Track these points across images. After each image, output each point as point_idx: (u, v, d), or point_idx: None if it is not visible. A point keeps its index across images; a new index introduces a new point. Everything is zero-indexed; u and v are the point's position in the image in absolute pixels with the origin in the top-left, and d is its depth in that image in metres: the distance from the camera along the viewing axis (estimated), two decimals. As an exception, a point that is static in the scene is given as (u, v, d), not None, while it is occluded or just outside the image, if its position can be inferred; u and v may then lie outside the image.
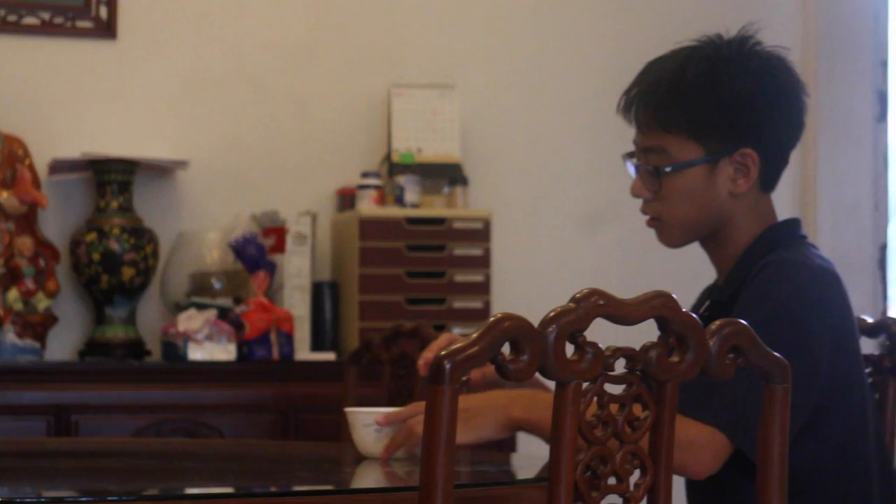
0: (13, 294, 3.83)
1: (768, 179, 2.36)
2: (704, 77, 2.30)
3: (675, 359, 1.69)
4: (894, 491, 2.33)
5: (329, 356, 3.91)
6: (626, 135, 4.36)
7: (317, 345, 3.97)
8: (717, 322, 1.72)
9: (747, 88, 2.30)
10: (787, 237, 2.34)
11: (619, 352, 1.67)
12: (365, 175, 4.04)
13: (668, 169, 2.31)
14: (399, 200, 3.99)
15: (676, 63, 2.32)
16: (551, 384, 1.66)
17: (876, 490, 2.27)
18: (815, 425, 2.19)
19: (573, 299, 1.65)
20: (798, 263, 2.24)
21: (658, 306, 1.68)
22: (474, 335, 1.61)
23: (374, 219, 3.92)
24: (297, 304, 3.93)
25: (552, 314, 1.63)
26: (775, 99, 2.32)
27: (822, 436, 2.21)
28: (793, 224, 2.38)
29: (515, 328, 1.61)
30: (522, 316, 1.62)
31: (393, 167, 4.08)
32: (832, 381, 2.19)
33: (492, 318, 1.62)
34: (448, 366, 1.59)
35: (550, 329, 1.62)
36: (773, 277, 2.19)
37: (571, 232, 4.36)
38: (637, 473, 1.69)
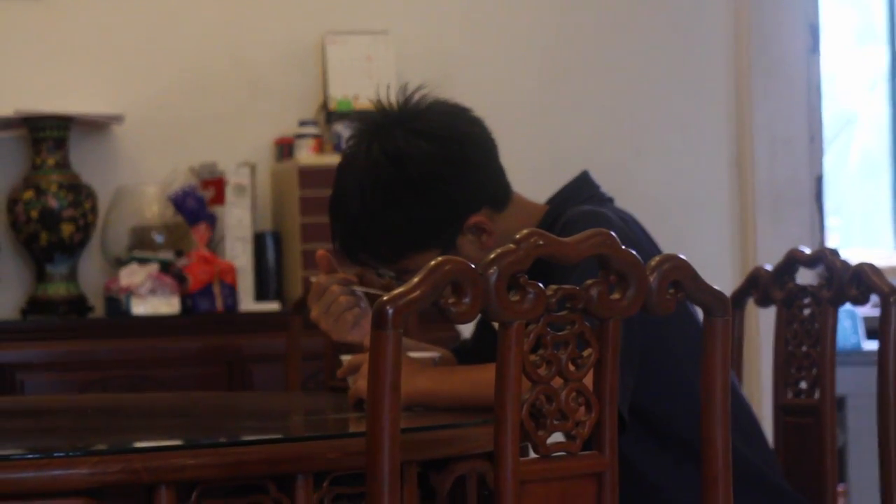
0: (-48, 255, 3.80)
1: (502, 199, 2.35)
2: (388, 205, 2.28)
3: (616, 296, 1.70)
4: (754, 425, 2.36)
5: (273, 306, 3.91)
6: (574, 77, 4.38)
7: (261, 295, 3.97)
8: (657, 258, 1.73)
9: (428, 185, 2.28)
10: (577, 195, 2.35)
11: (560, 291, 1.68)
12: (302, 124, 4.03)
13: None
14: (338, 148, 3.98)
15: (356, 201, 2.30)
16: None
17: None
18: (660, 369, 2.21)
19: (513, 240, 1.66)
20: (596, 211, 2.26)
21: (597, 244, 1.70)
22: (416, 279, 1.62)
23: (314, 167, 3.91)
24: (239, 255, 3.92)
25: (493, 256, 1.64)
26: (460, 160, 2.31)
27: (669, 380, 2.22)
28: (579, 183, 2.39)
29: (456, 271, 1.61)
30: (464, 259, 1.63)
31: (330, 115, 4.07)
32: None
33: (433, 262, 1.62)
34: (390, 310, 1.60)
35: (492, 270, 1.63)
36: (579, 227, 2.11)
37: (520, 186, 4.36)
38: (582, 411, 1.71)
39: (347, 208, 2.31)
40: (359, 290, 2.39)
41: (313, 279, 2.41)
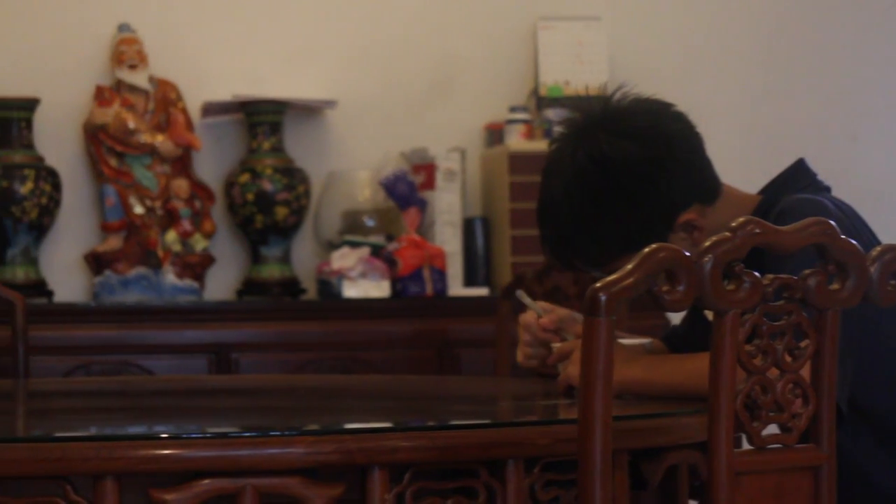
0: (171, 236, 3.90)
1: (711, 193, 2.28)
2: (597, 211, 2.24)
3: (835, 286, 1.67)
4: None
5: (482, 291, 3.93)
6: (789, 63, 4.30)
7: (469, 280, 3.99)
8: (878, 248, 1.69)
9: (636, 188, 2.22)
10: (792, 184, 2.28)
11: (777, 280, 1.65)
12: (513, 109, 4.04)
13: None
14: (548, 134, 3.98)
15: (564, 209, 2.26)
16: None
17: None
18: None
19: (729, 228, 1.63)
20: (813, 199, 2.19)
21: (816, 233, 1.66)
22: (629, 266, 1.60)
23: (524, 153, 3.91)
24: (448, 240, 3.95)
25: (708, 244, 1.62)
26: (666, 159, 2.24)
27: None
28: (794, 172, 2.32)
29: (671, 258, 1.60)
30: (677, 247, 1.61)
31: (541, 101, 4.07)
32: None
33: (647, 249, 1.61)
34: (603, 298, 1.59)
35: (707, 258, 1.61)
36: (795, 216, 1.98)
37: (734, 175, 4.30)
38: (799, 403, 1.68)
39: (556, 216, 2.29)
40: (564, 335, 2.39)
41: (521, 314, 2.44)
